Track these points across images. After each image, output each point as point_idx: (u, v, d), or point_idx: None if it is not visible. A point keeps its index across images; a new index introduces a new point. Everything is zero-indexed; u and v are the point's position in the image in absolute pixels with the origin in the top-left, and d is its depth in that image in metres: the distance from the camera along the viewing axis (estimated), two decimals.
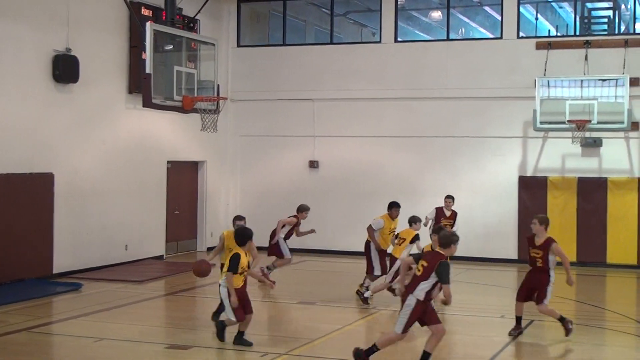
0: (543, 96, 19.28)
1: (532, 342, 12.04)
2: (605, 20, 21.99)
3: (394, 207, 15.07)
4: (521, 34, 21.03)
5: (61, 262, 17.03)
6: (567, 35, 22.24)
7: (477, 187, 20.62)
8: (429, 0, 24.46)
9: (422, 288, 9.71)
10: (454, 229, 16.65)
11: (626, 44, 19.67)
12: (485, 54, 20.97)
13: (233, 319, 11.08)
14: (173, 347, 11.25)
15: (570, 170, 20.29)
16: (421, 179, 21.23)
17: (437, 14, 24.55)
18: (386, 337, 10.10)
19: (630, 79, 18.85)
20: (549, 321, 12.71)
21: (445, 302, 9.84)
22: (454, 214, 17.32)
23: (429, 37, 24.78)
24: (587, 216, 19.86)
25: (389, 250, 14.98)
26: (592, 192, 19.94)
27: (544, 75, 19.77)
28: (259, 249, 11.35)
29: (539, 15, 23.05)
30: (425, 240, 14.37)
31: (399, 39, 21.90)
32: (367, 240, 15.05)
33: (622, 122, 18.65)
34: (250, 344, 11.09)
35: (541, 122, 19.18)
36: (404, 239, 14.39)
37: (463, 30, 25.38)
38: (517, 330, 12.18)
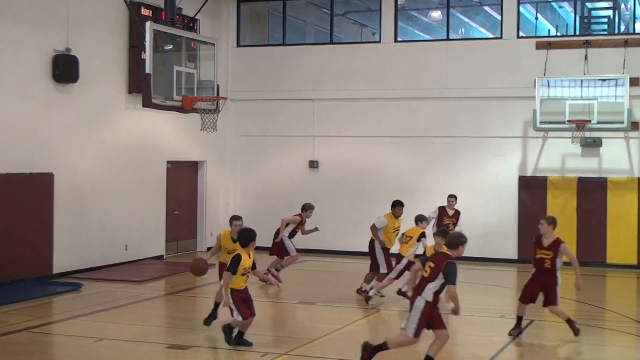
0: (543, 96, 19.27)
1: (532, 342, 12.04)
2: (605, 20, 21.99)
3: (397, 205, 15.10)
4: (521, 34, 21.03)
5: (61, 262, 17.03)
6: (567, 35, 22.24)
7: (477, 187, 20.62)
8: (429, 0, 24.46)
9: (430, 289, 9.67)
10: (459, 227, 16.71)
11: (626, 43, 19.67)
12: (485, 54, 20.97)
13: (239, 318, 10.96)
14: (173, 347, 11.25)
15: (570, 170, 20.29)
16: (421, 179, 21.23)
17: (436, 14, 24.55)
18: (399, 338, 9.99)
19: (630, 78, 18.84)
20: (549, 321, 12.72)
21: (455, 312, 9.78)
22: (457, 213, 17.36)
23: (428, 37, 24.78)
24: (587, 216, 19.86)
25: (396, 249, 14.95)
26: (592, 192, 19.94)
27: (544, 75, 19.77)
28: (260, 248, 11.30)
29: (538, 15, 23.05)
30: (430, 239, 14.37)
31: (398, 39, 21.90)
32: (371, 239, 15.08)
33: (622, 122, 18.64)
34: (250, 344, 11.09)
35: (541, 122, 19.17)
36: (411, 237, 14.40)
37: (463, 30, 25.38)
38: (517, 330, 12.18)
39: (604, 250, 19.74)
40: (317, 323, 13.34)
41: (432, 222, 16.82)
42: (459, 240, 9.95)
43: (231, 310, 11.02)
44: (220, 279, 12.22)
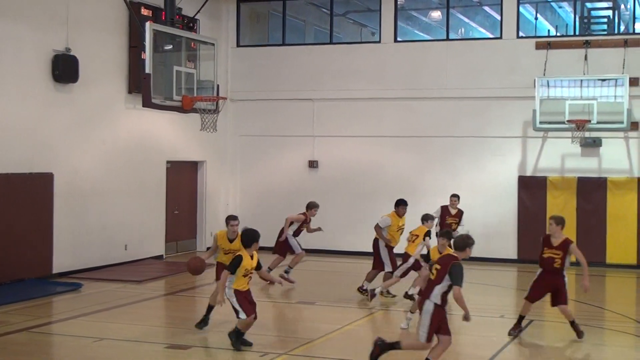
0: (543, 96, 19.28)
1: (532, 342, 12.05)
2: (605, 20, 22.00)
3: (400, 204, 15.14)
4: (521, 34, 21.04)
5: (61, 262, 17.03)
6: (567, 35, 22.24)
7: (476, 187, 20.62)
8: (429, 0, 24.46)
9: (438, 291, 9.64)
10: (462, 227, 16.74)
11: (626, 43, 19.68)
12: (484, 54, 20.97)
13: (243, 316, 10.85)
14: (173, 347, 11.25)
15: (569, 170, 20.30)
16: (421, 179, 21.23)
17: (436, 14, 24.56)
18: (411, 342, 9.91)
19: (630, 78, 18.85)
20: (549, 321, 12.73)
21: (466, 317, 9.74)
22: (459, 213, 17.46)
23: (428, 37, 24.79)
24: (586, 216, 19.85)
25: (402, 248, 14.95)
26: (591, 192, 19.94)
27: (544, 75, 19.77)
28: (261, 249, 11.27)
29: (538, 15, 23.05)
30: (434, 239, 14.40)
31: (398, 39, 21.90)
32: (375, 238, 15.09)
33: (622, 122, 18.65)
34: (250, 344, 11.08)
35: (541, 122, 19.18)
36: (417, 236, 14.41)
37: (463, 30, 25.39)
38: (517, 330, 12.17)
39: (603, 250, 19.74)
40: (317, 323, 13.34)
41: (435, 221, 16.83)
42: (466, 242, 9.90)
43: (236, 311, 10.92)
44: (216, 280, 12.20)
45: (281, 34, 23.01)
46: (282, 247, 16.67)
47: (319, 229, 16.93)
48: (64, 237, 17.11)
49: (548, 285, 11.99)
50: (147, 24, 14.54)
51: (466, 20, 25.01)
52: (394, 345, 9.91)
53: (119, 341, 11.58)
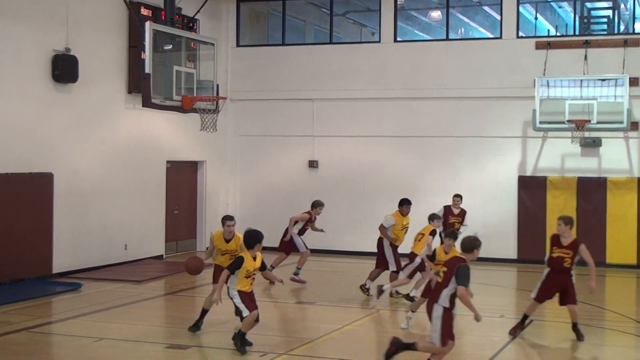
0: (542, 96, 19.28)
1: (532, 342, 12.04)
2: (605, 20, 22.00)
3: (404, 204, 15.17)
4: (520, 34, 21.04)
5: (61, 261, 17.03)
6: (567, 35, 22.23)
7: (476, 187, 20.61)
8: (429, 0, 24.46)
9: (445, 295, 9.60)
10: (465, 226, 16.75)
11: (625, 43, 19.67)
12: (484, 54, 20.97)
13: (246, 313, 10.65)
14: (172, 347, 11.25)
15: (569, 170, 20.29)
16: (421, 178, 21.23)
17: (436, 14, 24.56)
18: (429, 345, 9.81)
19: (630, 78, 18.85)
20: (548, 321, 12.73)
21: (476, 318, 9.67)
22: (462, 212, 17.55)
23: (428, 37, 24.79)
24: (586, 216, 19.83)
25: (407, 248, 14.94)
26: (591, 192, 19.93)
27: (544, 75, 19.77)
28: (264, 249, 11.16)
29: (538, 15, 23.06)
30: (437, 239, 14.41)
31: (398, 39, 21.90)
32: (380, 237, 15.09)
33: (622, 122, 18.65)
34: (250, 344, 11.06)
35: (541, 122, 19.17)
36: (423, 234, 14.42)
37: (462, 30, 25.39)
38: (520, 329, 12.14)
39: (603, 250, 19.72)
40: (317, 323, 13.34)
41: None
42: (474, 244, 9.80)
43: (239, 311, 10.74)
44: (213, 282, 12.10)
45: (281, 33, 23.01)
46: (287, 246, 16.72)
47: (322, 231, 16.96)
48: (63, 237, 17.10)
49: (557, 285, 11.98)
50: (147, 23, 14.54)
51: (466, 20, 25.02)
52: (410, 346, 9.85)
53: (118, 341, 11.58)
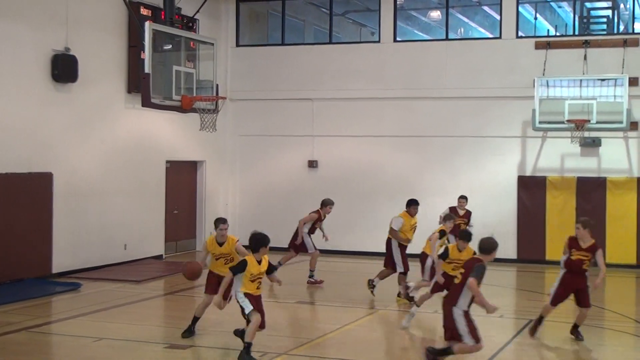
0: (542, 96, 19.28)
1: (532, 342, 12.03)
2: (604, 20, 22.00)
3: (412, 204, 15.17)
4: (520, 34, 21.04)
5: (60, 261, 17.02)
6: (566, 35, 22.23)
7: (476, 187, 20.60)
8: (428, 0, 24.46)
9: (463, 297, 9.59)
10: (471, 227, 16.76)
11: (625, 43, 19.67)
12: (484, 54, 20.97)
13: (249, 308, 10.37)
14: (172, 347, 11.24)
15: (569, 170, 20.29)
16: (420, 178, 21.22)
17: (436, 14, 24.56)
18: (463, 345, 9.73)
19: (629, 78, 18.86)
20: (548, 321, 12.68)
21: (488, 310, 9.63)
22: (467, 213, 17.60)
23: (428, 37, 24.79)
24: (586, 216, 19.69)
25: (417, 248, 14.92)
26: (591, 192, 19.94)
27: (543, 75, 19.77)
28: (269, 249, 11.01)
29: (538, 15, 23.05)
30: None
31: (398, 39, 21.89)
32: (389, 237, 15.08)
33: (621, 122, 18.65)
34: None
35: (540, 122, 19.17)
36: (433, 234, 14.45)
37: (462, 30, 25.39)
38: (538, 329, 12.10)
39: (603, 250, 19.63)
40: (316, 323, 13.34)
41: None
42: (492, 246, 9.78)
43: (243, 310, 10.47)
44: (206, 291, 11.87)
45: (280, 33, 23.01)
46: (297, 246, 16.73)
47: (325, 238, 16.94)
48: (63, 237, 17.10)
49: (573, 286, 11.95)
50: (147, 23, 14.55)
51: (465, 20, 25.02)
52: (447, 350, 9.82)
53: (118, 341, 11.58)
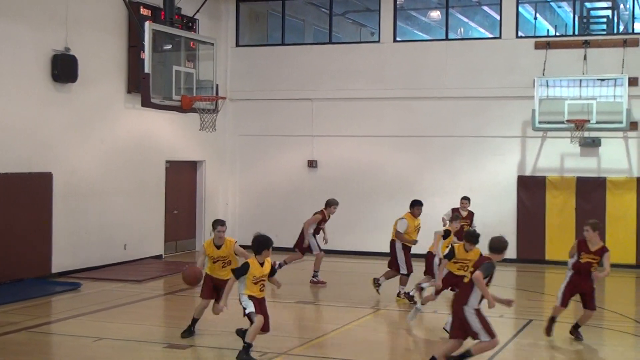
0: (542, 96, 19.29)
1: (532, 342, 12.04)
2: (604, 20, 22.00)
3: (416, 205, 15.15)
4: (520, 34, 21.04)
5: (60, 261, 17.03)
6: (566, 35, 22.23)
7: (476, 187, 20.60)
8: (428, 0, 24.45)
9: (474, 296, 9.64)
10: (474, 228, 16.75)
11: (625, 43, 19.68)
12: (484, 54, 20.97)
13: (250, 308, 10.33)
14: (172, 347, 11.24)
15: (569, 170, 20.30)
16: (420, 178, 21.22)
17: (435, 14, 24.56)
18: (479, 345, 9.78)
19: (629, 78, 18.87)
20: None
21: (490, 305, 9.70)
22: (470, 214, 17.58)
23: (427, 37, 24.78)
24: (585, 216, 19.65)
25: (423, 248, 14.92)
26: (590, 192, 19.94)
27: (543, 75, 19.78)
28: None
29: (537, 15, 23.05)
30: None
31: (397, 39, 21.90)
32: (392, 239, 15.07)
33: (621, 122, 18.66)
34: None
35: (540, 122, 19.18)
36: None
37: (462, 30, 25.39)
38: (551, 328, 12.10)
39: None
40: (316, 323, 13.34)
41: (447, 224, 16.82)
42: (503, 245, 9.85)
43: (244, 309, 10.45)
44: (201, 295, 11.86)
45: (280, 33, 23.01)
46: (304, 248, 16.71)
47: (326, 241, 16.93)
48: (63, 237, 17.10)
49: (579, 288, 11.94)
50: (147, 23, 14.55)
51: (465, 20, 25.01)
52: (465, 355, 9.81)
53: (118, 341, 11.58)
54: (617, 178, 19.82)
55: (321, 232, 16.83)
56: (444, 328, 11.99)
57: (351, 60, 21.99)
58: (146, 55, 14.21)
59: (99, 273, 17.49)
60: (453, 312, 9.86)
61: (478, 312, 9.66)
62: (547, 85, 19.38)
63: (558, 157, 20.37)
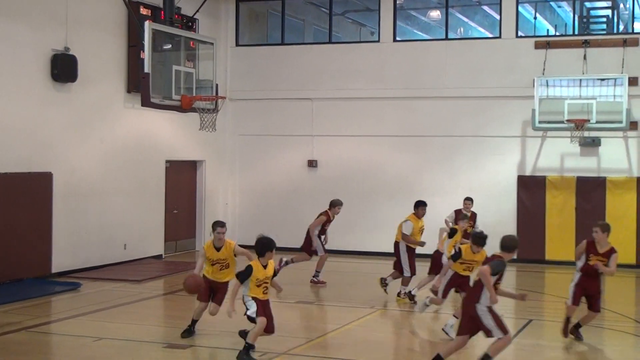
0: (542, 95, 19.28)
1: (532, 342, 12.04)
2: (604, 19, 21.99)
3: (420, 206, 15.12)
4: (520, 34, 21.03)
5: (60, 261, 17.02)
6: (566, 35, 22.22)
7: (476, 187, 20.59)
8: (428, 0, 24.44)
9: (486, 294, 9.66)
10: (477, 229, 16.76)
11: (625, 43, 19.67)
12: (484, 54, 20.96)
13: (253, 308, 10.26)
14: (171, 347, 11.24)
15: (569, 170, 20.29)
16: (420, 178, 21.21)
17: (435, 14, 24.54)
18: (495, 345, 9.78)
19: (629, 78, 18.86)
20: (548, 321, 12.73)
21: (492, 301, 9.70)
22: (473, 215, 17.52)
23: (427, 37, 24.77)
24: (585, 216, 19.81)
25: (430, 249, 14.92)
26: (590, 192, 19.93)
27: (543, 74, 19.77)
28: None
29: (537, 15, 23.04)
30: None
31: (397, 39, 21.89)
32: (396, 241, 15.06)
33: (621, 122, 18.65)
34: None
35: (540, 122, 19.17)
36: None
37: (462, 29, 25.37)
38: (567, 328, 12.09)
39: None
40: (316, 322, 13.33)
41: (450, 225, 16.82)
42: (515, 244, 9.92)
43: (247, 310, 10.39)
44: (198, 298, 11.81)
45: (280, 33, 23.00)
46: (312, 250, 16.68)
47: (325, 241, 16.91)
48: (63, 237, 17.09)
49: (587, 289, 11.92)
50: (146, 23, 14.53)
51: (465, 19, 25.00)
52: (484, 359, 9.79)
53: (117, 341, 11.57)
54: (617, 178, 19.81)
55: (325, 232, 16.82)
56: (442, 329, 11.99)
57: (351, 60, 21.99)
58: (146, 54, 14.19)
59: (99, 273, 17.48)
60: (463, 310, 9.89)
61: (490, 309, 9.69)
62: (547, 85, 19.38)
63: (558, 157, 20.36)
